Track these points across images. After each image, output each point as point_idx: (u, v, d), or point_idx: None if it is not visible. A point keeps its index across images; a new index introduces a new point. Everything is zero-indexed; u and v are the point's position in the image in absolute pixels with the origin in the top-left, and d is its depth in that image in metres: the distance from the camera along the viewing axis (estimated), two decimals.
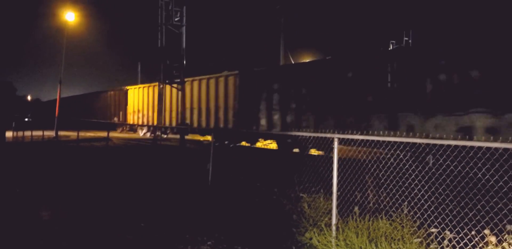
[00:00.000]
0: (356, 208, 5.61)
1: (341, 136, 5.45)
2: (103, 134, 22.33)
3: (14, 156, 15.27)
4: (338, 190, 5.43)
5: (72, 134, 24.71)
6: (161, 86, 21.47)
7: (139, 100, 29.06)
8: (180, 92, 21.67)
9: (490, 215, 4.59)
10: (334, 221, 5.36)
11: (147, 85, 28.81)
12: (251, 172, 9.98)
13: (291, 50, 27.82)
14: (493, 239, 4.43)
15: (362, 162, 6.33)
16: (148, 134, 28.29)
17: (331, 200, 5.46)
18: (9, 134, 21.59)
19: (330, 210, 5.56)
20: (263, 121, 17.49)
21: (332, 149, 5.35)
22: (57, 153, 16.32)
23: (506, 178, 4.55)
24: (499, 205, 4.61)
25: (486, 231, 4.49)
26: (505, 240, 4.39)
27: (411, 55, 12.71)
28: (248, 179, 9.02)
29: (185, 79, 21.24)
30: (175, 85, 21.82)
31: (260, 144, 20.79)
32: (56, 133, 25.22)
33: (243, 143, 20.60)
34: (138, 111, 29.12)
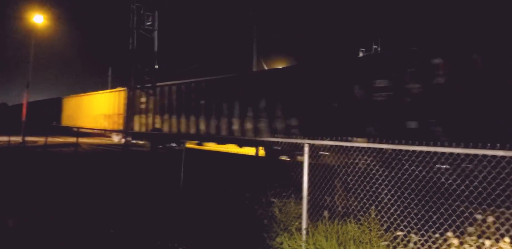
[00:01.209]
0: (325, 212, 5.71)
1: (312, 142, 5.59)
2: (72, 139, 21.85)
3: None
4: (308, 195, 5.53)
5: (40, 140, 24.08)
6: (130, 92, 21.36)
7: (71, 107, 36.99)
8: (152, 97, 21.53)
9: (453, 218, 4.77)
10: (304, 225, 5.44)
11: (80, 95, 35.76)
12: (223, 176, 9.98)
13: (264, 56, 28.29)
14: (455, 241, 4.61)
15: (331, 167, 6.45)
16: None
17: (302, 205, 5.54)
18: None
19: (301, 215, 5.64)
20: (136, 125, 23.01)
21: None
22: (24, 158, 15.88)
23: (467, 182, 4.74)
24: (461, 208, 4.79)
25: (449, 234, 4.68)
26: (466, 241, 4.57)
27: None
28: (219, 183, 9.03)
29: (99, 92, 28.55)
30: (150, 91, 21.71)
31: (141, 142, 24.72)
32: (23, 138, 24.51)
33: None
34: (69, 116, 37.08)
